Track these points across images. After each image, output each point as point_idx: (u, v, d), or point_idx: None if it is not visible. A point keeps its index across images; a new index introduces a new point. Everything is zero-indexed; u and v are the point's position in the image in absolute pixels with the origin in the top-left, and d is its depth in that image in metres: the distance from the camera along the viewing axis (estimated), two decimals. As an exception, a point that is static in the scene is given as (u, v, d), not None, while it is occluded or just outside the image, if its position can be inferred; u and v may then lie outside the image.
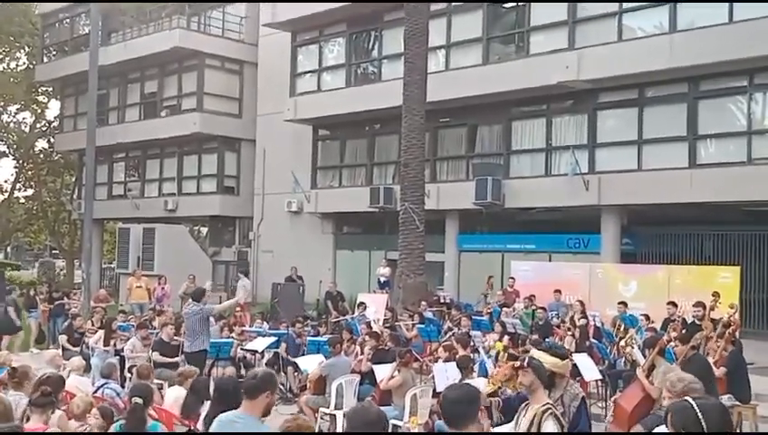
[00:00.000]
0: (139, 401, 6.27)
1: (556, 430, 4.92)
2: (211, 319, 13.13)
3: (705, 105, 18.02)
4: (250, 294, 21.85)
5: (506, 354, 10.21)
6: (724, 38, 16.72)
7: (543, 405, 5.06)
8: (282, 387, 13.04)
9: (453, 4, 22.01)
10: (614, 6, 18.87)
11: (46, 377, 6.97)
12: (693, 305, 13.63)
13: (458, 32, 22.04)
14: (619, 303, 15.48)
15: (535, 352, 5.94)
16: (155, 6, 30.65)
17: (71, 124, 35.05)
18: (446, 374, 9.49)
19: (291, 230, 27.02)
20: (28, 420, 6.24)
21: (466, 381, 8.64)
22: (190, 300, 12.38)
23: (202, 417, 6.66)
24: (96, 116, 21.22)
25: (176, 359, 12.48)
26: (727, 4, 16.92)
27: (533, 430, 5.02)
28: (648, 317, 13.98)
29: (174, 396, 8.13)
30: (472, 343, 12.32)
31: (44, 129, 39.21)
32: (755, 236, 18.07)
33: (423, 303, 17.07)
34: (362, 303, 17.85)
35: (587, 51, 18.95)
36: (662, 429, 4.09)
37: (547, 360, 5.62)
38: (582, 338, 13.01)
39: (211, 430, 5.26)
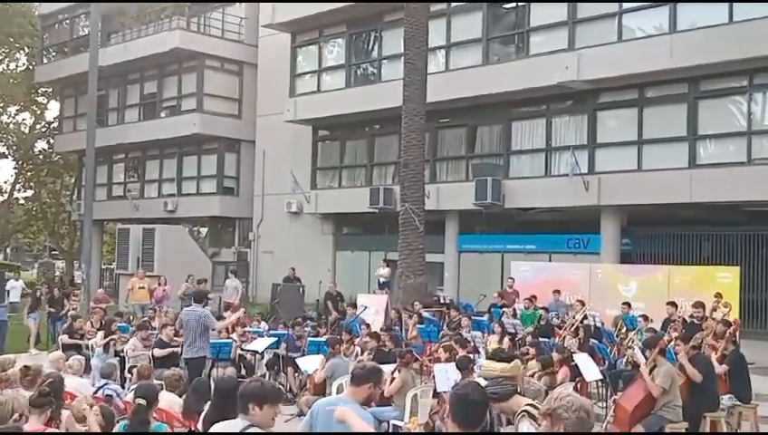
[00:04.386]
0: (143, 401, 6.25)
1: (531, 430, 4.96)
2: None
3: (704, 105, 18.01)
4: (239, 294, 21.83)
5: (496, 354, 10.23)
6: (723, 38, 16.71)
7: (520, 409, 5.13)
8: (282, 387, 13.05)
9: (453, 4, 22.02)
10: (614, 7, 18.86)
11: (50, 379, 6.97)
12: (692, 306, 13.65)
13: (458, 32, 22.03)
14: (623, 303, 15.45)
15: (484, 362, 5.97)
16: (155, 7, 30.63)
17: (70, 125, 35.05)
18: (446, 375, 9.48)
19: (290, 231, 27.01)
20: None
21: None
22: (193, 301, 12.23)
23: (201, 417, 6.66)
24: (96, 117, 21.23)
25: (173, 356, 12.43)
26: (727, 5, 16.92)
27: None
28: (646, 318, 13.95)
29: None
30: (472, 343, 12.34)
31: (44, 130, 39.21)
32: (755, 237, 18.05)
33: (416, 303, 17.01)
34: (354, 303, 17.83)
35: (587, 51, 18.94)
36: None
37: (495, 368, 5.64)
38: (586, 337, 13.01)
39: (313, 409, 5.59)
